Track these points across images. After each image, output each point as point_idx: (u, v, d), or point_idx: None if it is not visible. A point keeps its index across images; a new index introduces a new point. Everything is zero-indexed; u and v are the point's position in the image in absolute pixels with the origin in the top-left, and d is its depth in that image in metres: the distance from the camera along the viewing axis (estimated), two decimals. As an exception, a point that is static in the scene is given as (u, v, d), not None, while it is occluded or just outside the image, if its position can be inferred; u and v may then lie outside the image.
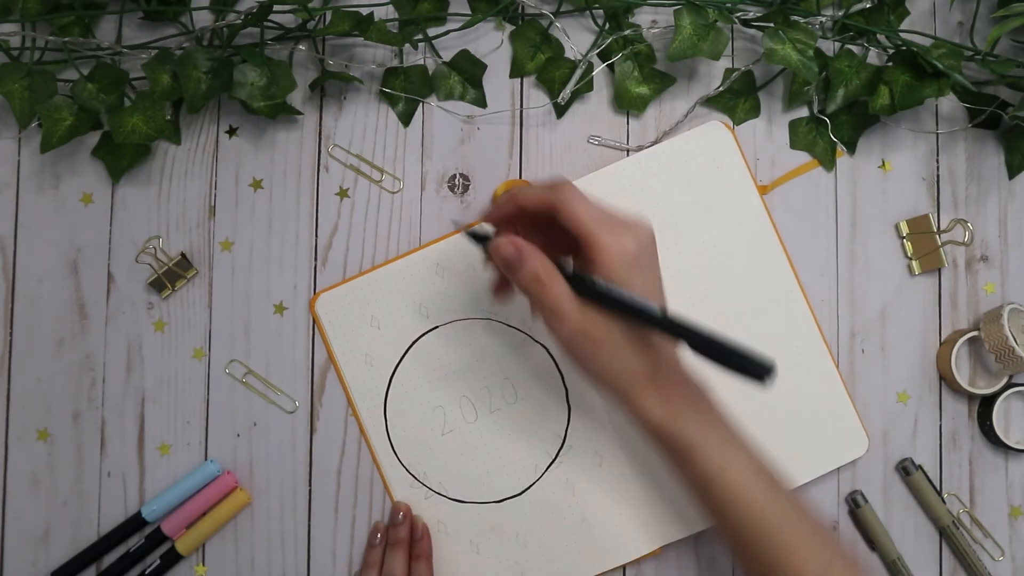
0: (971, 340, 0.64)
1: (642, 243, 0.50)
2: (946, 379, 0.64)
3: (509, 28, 0.66)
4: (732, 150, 0.64)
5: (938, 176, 0.66)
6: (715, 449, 0.51)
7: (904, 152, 0.65)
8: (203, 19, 0.66)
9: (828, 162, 0.65)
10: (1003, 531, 0.64)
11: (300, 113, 0.66)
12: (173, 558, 0.63)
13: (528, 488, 0.63)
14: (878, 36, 0.64)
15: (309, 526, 0.64)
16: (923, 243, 0.64)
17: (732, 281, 0.64)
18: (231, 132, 0.66)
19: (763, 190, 0.65)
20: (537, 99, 0.66)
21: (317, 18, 0.65)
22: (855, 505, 0.63)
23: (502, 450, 0.64)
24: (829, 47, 0.65)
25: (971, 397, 0.64)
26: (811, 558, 0.50)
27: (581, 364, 0.51)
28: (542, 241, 0.51)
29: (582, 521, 0.63)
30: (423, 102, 0.66)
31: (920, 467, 0.63)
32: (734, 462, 0.51)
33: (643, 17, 0.66)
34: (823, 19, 0.64)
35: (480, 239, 0.53)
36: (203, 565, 0.64)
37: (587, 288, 0.49)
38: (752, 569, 0.52)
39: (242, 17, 0.61)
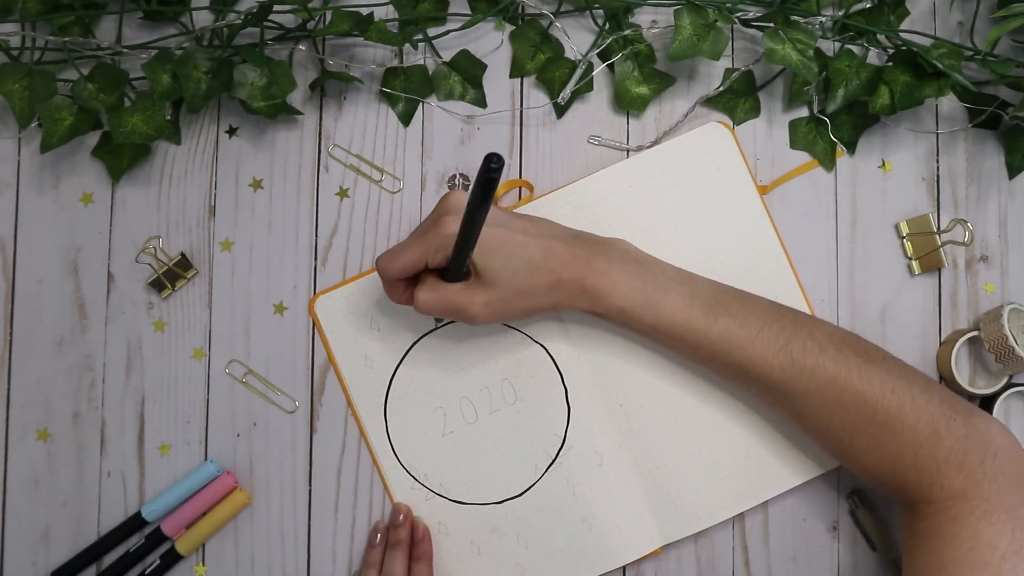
0: (971, 340, 0.64)
1: (457, 212, 0.53)
2: (946, 379, 0.64)
3: (509, 28, 0.66)
4: (732, 150, 0.64)
5: (938, 176, 0.66)
6: (642, 302, 0.56)
7: (904, 152, 0.65)
8: (203, 19, 0.66)
9: (828, 162, 0.65)
10: (1003, 531, 0.64)
11: (300, 113, 0.66)
12: (173, 558, 0.63)
13: (528, 489, 0.63)
14: (878, 36, 0.64)
15: (309, 526, 0.64)
16: (923, 243, 0.64)
17: (732, 281, 0.63)
18: (231, 132, 0.66)
19: (763, 190, 0.65)
20: (537, 99, 0.66)
21: (317, 18, 0.65)
22: (855, 505, 0.63)
23: (502, 451, 0.64)
24: (829, 47, 0.65)
25: (971, 397, 0.64)
26: (768, 351, 0.55)
27: (514, 319, 0.59)
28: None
29: (582, 521, 0.63)
30: (423, 102, 0.66)
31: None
32: (663, 304, 0.56)
33: (643, 17, 0.66)
34: (823, 19, 0.64)
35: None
36: (203, 565, 0.64)
37: (454, 274, 0.56)
38: (735, 380, 0.59)
39: (242, 17, 0.61)
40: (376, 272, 0.64)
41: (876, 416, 0.54)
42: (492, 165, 0.43)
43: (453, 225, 0.53)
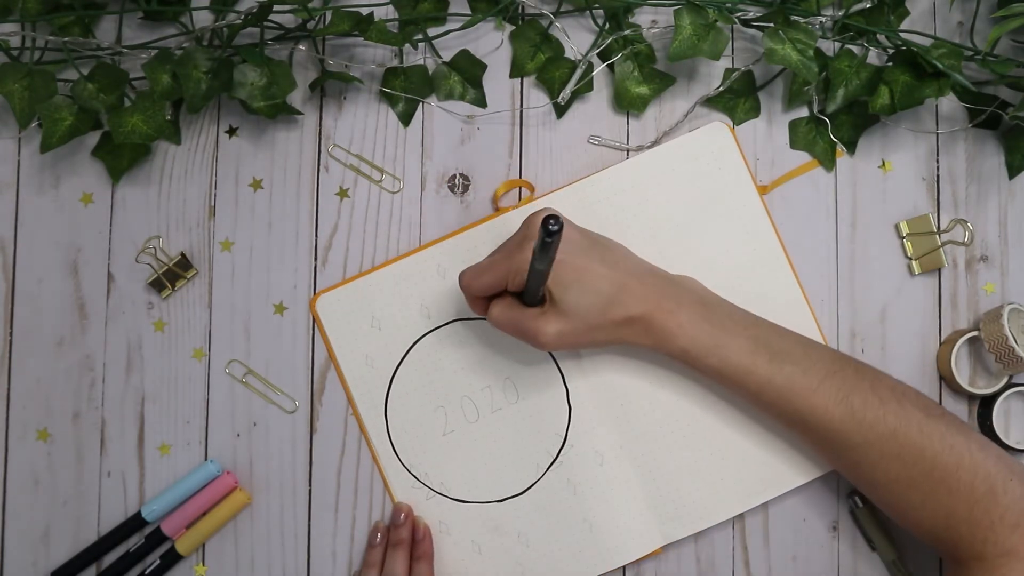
0: (971, 340, 0.64)
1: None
2: (946, 379, 0.64)
3: (509, 28, 0.66)
4: (732, 150, 0.64)
5: (938, 176, 0.66)
6: (708, 346, 0.57)
7: (904, 152, 0.65)
8: (203, 19, 0.66)
9: (828, 162, 0.65)
10: (1003, 531, 0.64)
11: (300, 113, 0.66)
12: (173, 558, 0.63)
13: (529, 488, 0.63)
14: (878, 36, 0.64)
15: (309, 526, 0.64)
16: (923, 243, 0.64)
17: (732, 281, 0.63)
18: (231, 132, 0.66)
19: (763, 190, 0.65)
20: (537, 99, 0.66)
21: (317, 18, 0.65)
22: (855, 505, 0.63)
23: (503, 450, 0.64)
24: (829, 47, 0.65)
25: (971, 397, 0.64)
26: (829, 402, 0.55)
27: (582, 348, 0.60)
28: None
29: (583, 521, 0.63)
30: (423, 102, 0.66)
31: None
32: (729, 349, 0.57)
33: (643, 17, 0.66)
34: (823, 19, 0.64)
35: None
36: (203, 565, 0.64)
37: (529, 302, 0.57)
38: (792, 427, 0.59)
39: (242, 17, 0.61)
40: (380, 270, 0.64)
41: (934, 471, 0.54)
42: (551, 228, 0.45)
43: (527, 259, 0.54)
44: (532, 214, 0.57)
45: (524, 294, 0.57)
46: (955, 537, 0.54)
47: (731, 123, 0.65)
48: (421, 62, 0.66)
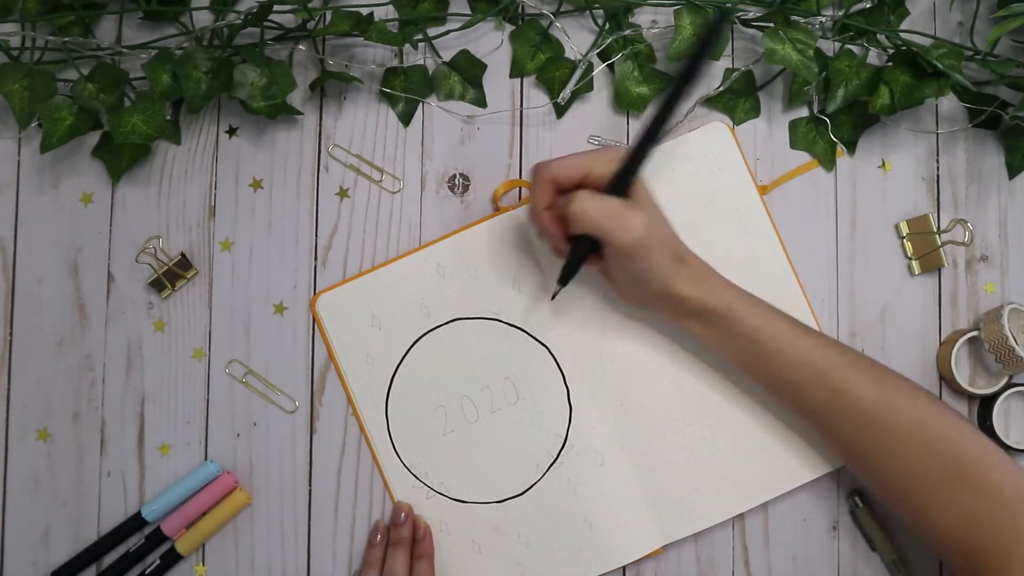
0: (971, 340, 0.64)
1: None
2: (946, 379, 0.64)
3: (509, 28, 0.66)
4: (732, 150, 0.64)
5: (938, 176, 0.66)
6: (751, 309, 0.57)
7: (904, 152, 0.65)
8: (203, 19, 0.66)
9: (828, 162, 0.65)
10: (1003, 531, 0.64)
11: (300, 113, 0.66)
12: (173, 558, 0.63)
13: (529, 488, 0.63)
14: (878, 36, 0.64)
15: (309, 526, 0.64)
16: (923, 243, 0.64)
17: (732, 281, 0.63)
18: (231, 132, 0.66)
19: (763, 190, 0.65)
20: (537, 99, 0.66)
21: (317, 18, 0.65)
22: (855, 505, 0.63)
23: (503, 450, 0.64)
24: (829, 47, 0.65)
25: (971, 397, 0.64)
26: (864, 380, 0.55)
27: (639, 266, 0.55)
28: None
29: (583, 521, 0.63)
30: (423, 102, 0.66)
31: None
32: (769, 316, 0.57)
33: (643, 17, 0.66)
34: (823, 19, 0.64)
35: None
36: (203, 565, 0.64)
37: (621, 182, 0.55)
38: (814, 407, 0.57)
39: (242, 17, 0.61)
40: (380, 270, 0.64)
41: (962, 467, 0.53)
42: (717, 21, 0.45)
43: (620, 151, 0.54)
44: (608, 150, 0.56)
45: (620, 173, 0.54)
46: (978, 544, 0.52)
47: (731, 123, 0.65)
48: (421, 62, 0.66)
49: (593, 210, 0.53)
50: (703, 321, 0.57)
